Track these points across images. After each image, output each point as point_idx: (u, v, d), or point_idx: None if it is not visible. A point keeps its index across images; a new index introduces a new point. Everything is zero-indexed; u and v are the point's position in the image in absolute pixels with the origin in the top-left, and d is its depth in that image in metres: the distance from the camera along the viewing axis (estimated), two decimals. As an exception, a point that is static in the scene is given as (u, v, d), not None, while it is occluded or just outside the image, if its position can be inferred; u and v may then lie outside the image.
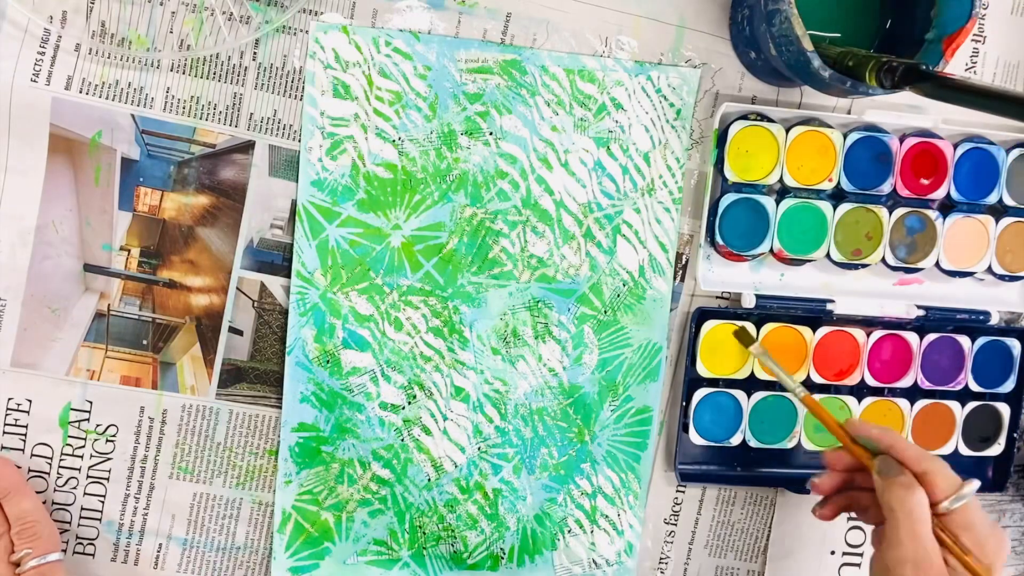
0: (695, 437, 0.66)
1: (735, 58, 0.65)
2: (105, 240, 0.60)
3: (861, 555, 0.71)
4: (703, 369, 0.66)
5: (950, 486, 0.55)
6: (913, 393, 0.69)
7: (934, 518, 0.55)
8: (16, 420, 0.60)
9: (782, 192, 0.65)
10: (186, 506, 0.63)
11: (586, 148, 0.64)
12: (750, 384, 0.67)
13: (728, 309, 0.67)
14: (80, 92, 0.58)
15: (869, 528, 0.71)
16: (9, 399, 0.60)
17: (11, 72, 0.57)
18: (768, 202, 0.64)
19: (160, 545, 0.63)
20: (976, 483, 0.55)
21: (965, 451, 0.70)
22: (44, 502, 0.60)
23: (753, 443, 0.67)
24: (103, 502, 0.62)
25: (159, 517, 0.62)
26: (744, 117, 0.64)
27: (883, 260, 0.67)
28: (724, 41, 0.65)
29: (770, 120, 0.64)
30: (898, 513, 0.54)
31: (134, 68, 0.59)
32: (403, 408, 0.64)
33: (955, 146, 0.66)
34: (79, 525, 0.62)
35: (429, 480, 0.65)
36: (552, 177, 0.64)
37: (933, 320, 0.69)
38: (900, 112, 0.66)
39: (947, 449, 0.70)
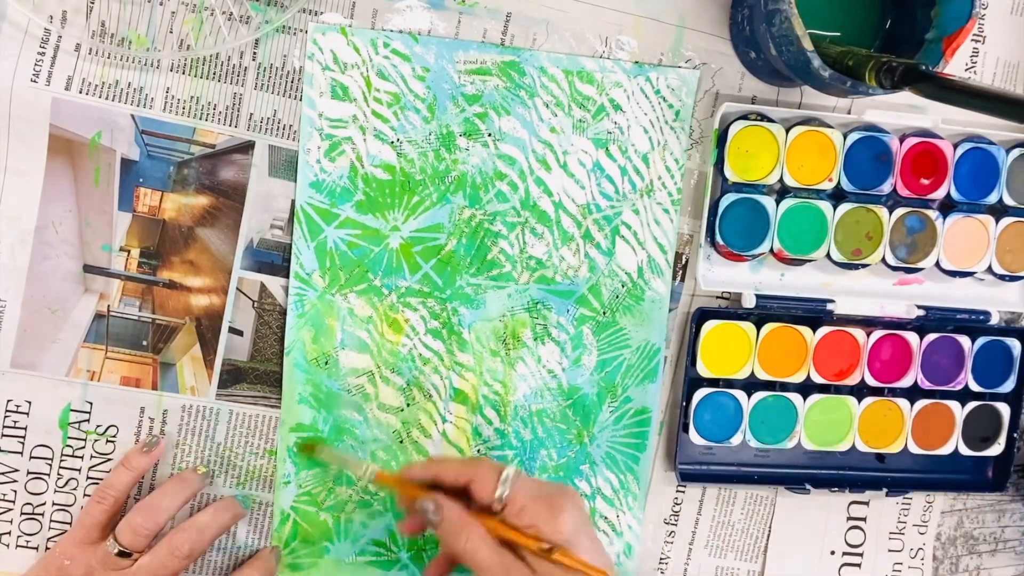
0: (695, 437, 0.66)
1: (735, 58, 0.65)
2: (105, 241, 0.60)
3: (861, 555, 0.71)
4: (703, 369, 0.66)
5: (492, 482, 0.53)
6: (913, 393, 0.69)
7: (497, 521, 0.53)
8: (15, 422, 0.60)
9: (782, 192, 0.65)
10: (187, 506, 0.63)
11: (585, 149, 0.64)
12: (750, 384, 0.67)
13: (728, 309, 0.67)
14: (80, 92, 0.58)
15: (869, 528, 0.71)
16: (8, 401, 0.60)
17: (11, 72, 0.57)
18: (768, 202, 0.64)
19: (160, 545, 0.63)
20: (510, 469, 0.53)
21: (965, 451, 0.70)
22: (45, 502, 0.61)
23: (753, 443, 0.67)
24: (103, 502, 0.62)
25: (159, 517, 0.62)
26: (744, 117, 0.63)
27: (883, 260, 0.67)
28: (724, 41, 0.65)
29: (770, 120, 0.64)
30: (465, 557, 0.52)
31: (134, 68, 0.59)
32: (402, 410, 0.64)
33: (955, 146, 0.66)
34: (79, 525, 0.62)
35: (428, 482, 0.65)
36: (551, 178, 0.63)
37: (933, 320, 0.68)
38: (900, 112, 0.66)
39: (947, 449, 0.70)
